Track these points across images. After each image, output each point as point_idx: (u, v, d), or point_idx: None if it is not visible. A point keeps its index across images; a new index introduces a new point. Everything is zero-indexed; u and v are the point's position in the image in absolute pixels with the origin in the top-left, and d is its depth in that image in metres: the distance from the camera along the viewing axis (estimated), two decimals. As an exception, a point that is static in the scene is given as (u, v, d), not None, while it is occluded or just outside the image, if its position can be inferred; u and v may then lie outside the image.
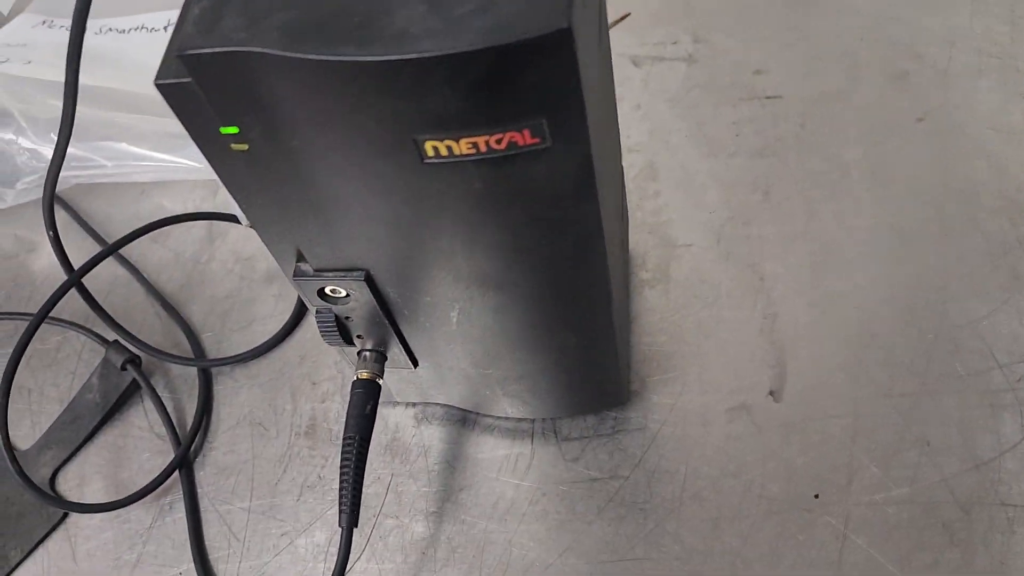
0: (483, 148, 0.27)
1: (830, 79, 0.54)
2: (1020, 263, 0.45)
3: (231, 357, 0.49)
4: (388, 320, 0.37)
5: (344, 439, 0.38)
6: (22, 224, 0.59)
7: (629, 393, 0.43)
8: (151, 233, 0.55)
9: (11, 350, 0.45)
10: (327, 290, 0.36)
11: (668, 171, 0.52)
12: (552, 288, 0.33)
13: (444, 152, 0.27)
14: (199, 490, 0.46)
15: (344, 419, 0.46)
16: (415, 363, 0.40)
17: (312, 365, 0.49)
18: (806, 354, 0.44)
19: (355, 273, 0.34)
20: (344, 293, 0.36)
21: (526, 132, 0.26)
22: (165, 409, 0.48)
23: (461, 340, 0.37)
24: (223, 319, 0.52)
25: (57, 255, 0.46)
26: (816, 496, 0.40)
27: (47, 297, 0.51)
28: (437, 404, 0.46)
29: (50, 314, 0.48)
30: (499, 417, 0.45)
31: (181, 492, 0.46)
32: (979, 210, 0.47)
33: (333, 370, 0.48)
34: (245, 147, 0.29)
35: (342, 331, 0.38)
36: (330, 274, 0.34)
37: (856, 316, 0.45)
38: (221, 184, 0.52)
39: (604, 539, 0.41)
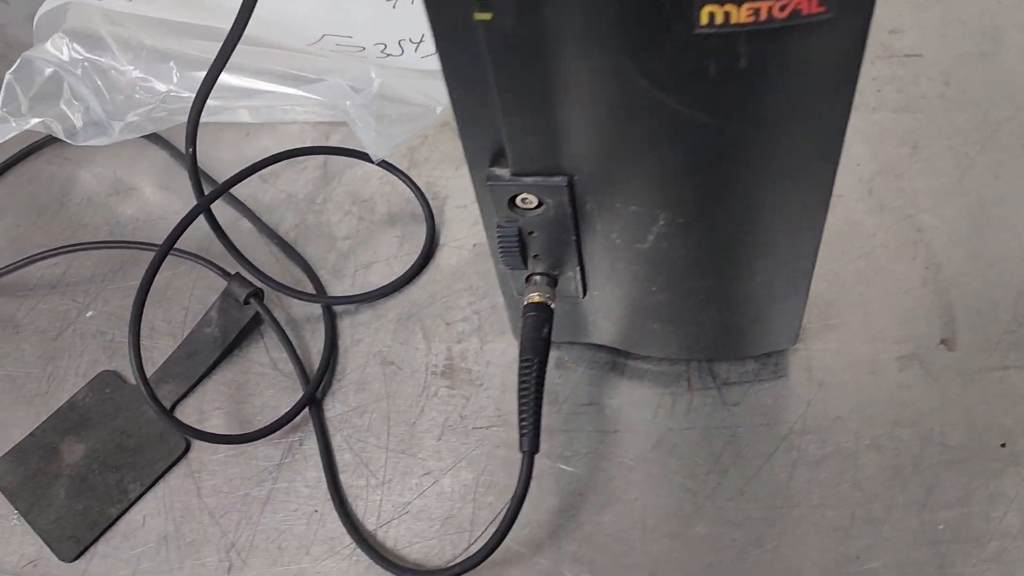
0: (763, 15, 0.25)
1: (970, 41, 0.53)
2: None
3: (358, 295, 0.47)
4: (576, 236, 0.35)
5: (521, 362, 0.36)
6: (121, 164, 0.57)
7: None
8: (261, 173, 0.54)
9: (134, 282, 0.43)
10: (519, 199, 0.34)
11: (809, 124, 0.50)
12: (775, 198, 0.32)
13: (720, 19, 0.25)
14: (330, 428, 0.43)
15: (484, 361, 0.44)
16: (585, 291, 0.38)
17: (444, 306, 0.47)
18: (975, 305, 0.42)
19: (558, 179, 0.32)
20: (535, 203, 0.34)
21: (815, -2, 0.25)
22: (291, 344, 0.45)
23: (651, 261, 0.35)
24: (344, 259, 0.50)
25: (191, 177, 0.44)
26: (1003, 445, 0.38)
27: (148, 234, 0.49)
28: (583, 346, 0.44)
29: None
30: (651, 360, 0.43)
31: (310, 430, 0.43)
32: None
33: (468, 311, 0.46)
34: (489, 16, 0.27)
35: (520, 249, 0.36)
36: (529, 179, 0.33)
37: (1022, 268, 0.43)
38: (348, 122, 0.51)
39: (777, 484, 0.39)
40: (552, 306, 0.37)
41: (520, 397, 0.35)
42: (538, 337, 0.36)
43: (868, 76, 0.52)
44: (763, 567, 0.37)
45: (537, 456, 0.41)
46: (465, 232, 0.50)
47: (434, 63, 0.59)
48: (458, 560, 0.38)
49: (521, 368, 0.36)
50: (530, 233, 0.35)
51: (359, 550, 0.39)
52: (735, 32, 0.25)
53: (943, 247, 0.44)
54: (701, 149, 0.30)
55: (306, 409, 0.44)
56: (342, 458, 0.42)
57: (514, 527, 0.39)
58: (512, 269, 0.37)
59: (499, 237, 0.35)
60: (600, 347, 0.44)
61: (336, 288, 0.49)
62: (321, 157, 0.54)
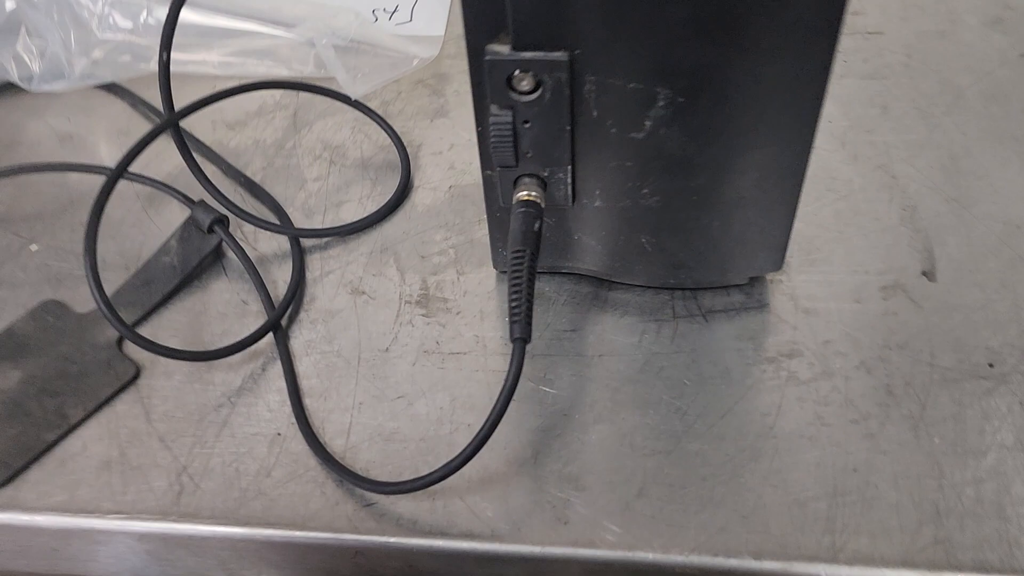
0: None
1: (927, 21, 0.55)
2: None
3: (329, 228, 0.45)
4: (571, 126, 0.34)
5: (512, 253, 0.34)
6: (76, 114, 0.55)
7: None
8: (227, 120, 0.52)
9: (84, 217, 0.41)
10: (514, 79, 0.33)
11: (782, 87, 0.51)
12: (774, 73, 0.31)
13: None
14: (296, 355, 0.41)
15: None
16: (575, 197, 0.37)
17: (418, 241, 0.45)
18: (953, 241, 0.43)
19: (559, 53, 0.32)
20: (532, 86, 0.33)
21: None
22: (256, 271, 0.43)
23: (645, 154, 0.35)
24: (313, 199, 0.48)
25: (161, 89, 0.42)
26: (991, 366, 0.38)
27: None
28: (564, 277, 0.42)
29: (130, 172, 0.43)
30: (634, 290, 0.42)
31: (273, 357, 0.41)
32: (1096, 132, 0.47)
33: (443, 245, 0.45)
34: None
35: (513, 143, 0.35)
36: (529, 54, 0.32)
37: (998, 210, 0.44)
38: (324, 60, 0.49)
39: (773, 404, 0.37)
40: (543, 206, 0.36)
41: (511, 286, 0.34)
42: (529, 230, 0.35)
43: (835, 49, 0.53)
44: (762, 478, 0.35)
45: (520, 379, 0.39)
46: (440, 176, 0.48)
47: (407, 30, 0.59)
48: (433, 470, 0.35)
49: (512, 259, 0.34)
50: (524, 123, 0.34)
51: (325, 470, 0.36)
52: None
53: (918, 191, 0.45)
54: (702, 22, 0.30)
55: (270, 335, 0.41)
56: (308, 383, 0.40)
57: (496, 447, 0.37)
58: (502, 167, 0.36)
59: (492, 126, 0.34)
60: (582, 278, 0.42)
61: (305, 225, 0.47)
62: (292, 107, 0.53)
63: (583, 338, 0.40)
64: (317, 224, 0.46)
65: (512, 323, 0.33)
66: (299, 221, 0.47)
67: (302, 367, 0.40)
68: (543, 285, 0.42)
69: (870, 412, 0.37)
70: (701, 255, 0.39)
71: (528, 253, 0.34)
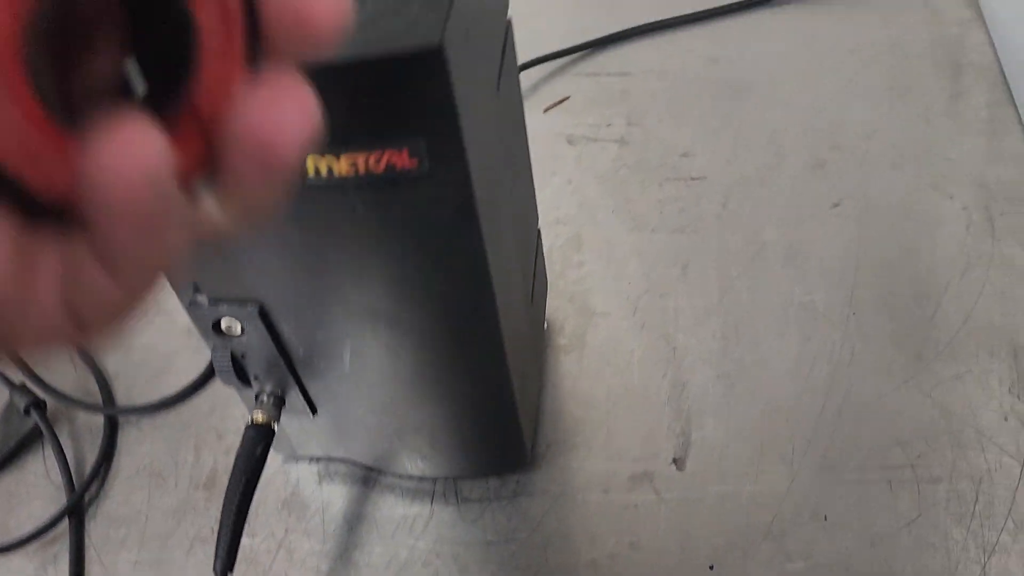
0: (362, 169, 0.27)
1: (753, 164, 0.56)
2: (924, 344, 0.45)
3: (139, 407, 0.48)
4: (284, 360, 0.37)
5: (229, 481, 0.37)
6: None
7: (532, 456, 0.43)
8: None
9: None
10: (223, 325, 0.35)
11: (593, 243, 0.53)
12: (441, 326, 0.34)
13: (325, 172, 0.28)
14: (88, 540, 0.44)
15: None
16: (314, 410, 0.40)
17: (220, 418, 0.48)
18: (712, 424, 0.44)
19: (249, 306, 0.34)
20: (239, 329, 0.35)
21: (405, 153, 0.27)
22: (64, 456, 0.46)
23: (356, 383, 0.37)
24: (138, 368, 0.51)
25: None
26: (711, 568, 0.39)
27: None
28: (340, 461, 0.45)
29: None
30: (401, 476, 0.44)
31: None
32: (888, 292, 0.48)
33: (240, 423, 0.47)
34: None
35: (238, 370, 0.38)
36: (224, 306, 0.34)
37: (763, 389, 0.45)
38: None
39: (495, 603, 0.39)
40: (274, 427, 0.39)
41: (222, 515, 0.36)
42: (250, 456, 0.37)
43: (654, 198, 0.55)
44: None
45: (275, 575, 0.42)
46: (255, 344, 0.51)
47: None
48: None
49: (227, 488, 0.37)
50: (243, 355, 0.37)
51: (86, 667, 0.40)
52: (344, 183, 0.28)
53: (692, 366, 0.46)
54: (354, 283, 0.32)
55: (67, 520, 0.45)
56: (91, 572, 0.43)
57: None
58: (235, 388, 0.39)
59: (213, 359, 0.37)
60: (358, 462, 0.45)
61: (126, 398, 0.50)
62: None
63: (347, 529, 0.43)
64: (138, 393, 0.50)
65: (215, 557, 0.36)
66: (121, 393, 0.50)
67: (90, 555, 0.44)
68: (323, 467, 0.45)
69: (588, 616, 0.39)
70: (445, 459, 0.41)
71: (243, 481, 0.37)
